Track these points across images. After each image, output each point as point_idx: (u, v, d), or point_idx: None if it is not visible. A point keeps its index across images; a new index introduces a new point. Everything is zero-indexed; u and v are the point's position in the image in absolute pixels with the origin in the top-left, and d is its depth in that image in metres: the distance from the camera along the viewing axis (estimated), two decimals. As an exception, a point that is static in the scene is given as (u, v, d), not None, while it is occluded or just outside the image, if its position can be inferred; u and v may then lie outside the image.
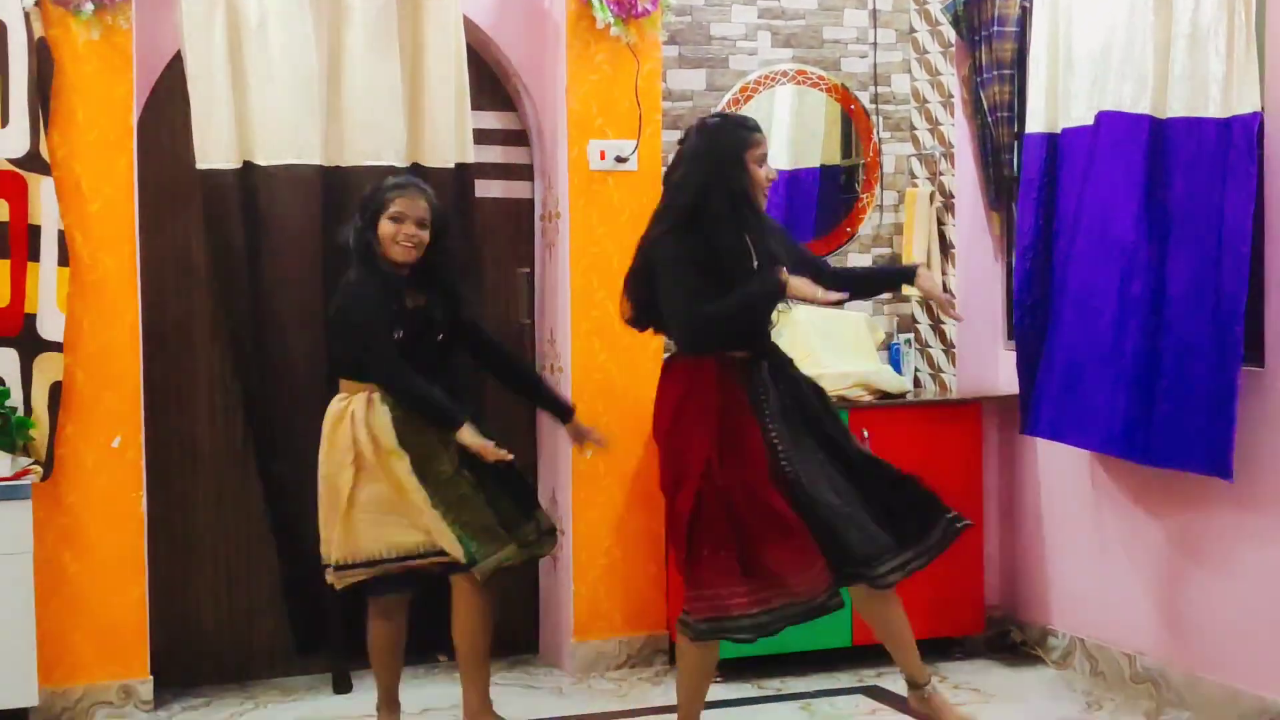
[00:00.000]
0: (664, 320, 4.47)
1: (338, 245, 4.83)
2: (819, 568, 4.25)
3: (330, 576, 4.65)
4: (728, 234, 4.33)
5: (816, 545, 4.26)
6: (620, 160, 5.61)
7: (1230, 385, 4.64)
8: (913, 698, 4.64)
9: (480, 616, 4.65)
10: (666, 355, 4.61)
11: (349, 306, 4.63)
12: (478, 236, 5.67)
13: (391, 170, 5.38)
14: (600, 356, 5.62)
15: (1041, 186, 5.35)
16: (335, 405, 4.65)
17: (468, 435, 4.59)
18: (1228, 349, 4.65)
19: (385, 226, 4.62)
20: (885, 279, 4.91)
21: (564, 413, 5.01)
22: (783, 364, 4.50)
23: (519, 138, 5.91)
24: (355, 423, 4.56)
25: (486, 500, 4.62)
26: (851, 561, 4.31)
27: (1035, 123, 5.38)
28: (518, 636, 5.90)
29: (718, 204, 4.33)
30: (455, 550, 4.52)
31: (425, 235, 4.66)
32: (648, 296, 4.45)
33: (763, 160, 4.43)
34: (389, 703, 4.84)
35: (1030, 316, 5.41)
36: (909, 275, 4.71)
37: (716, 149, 4.39)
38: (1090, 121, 5.13)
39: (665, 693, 5.32)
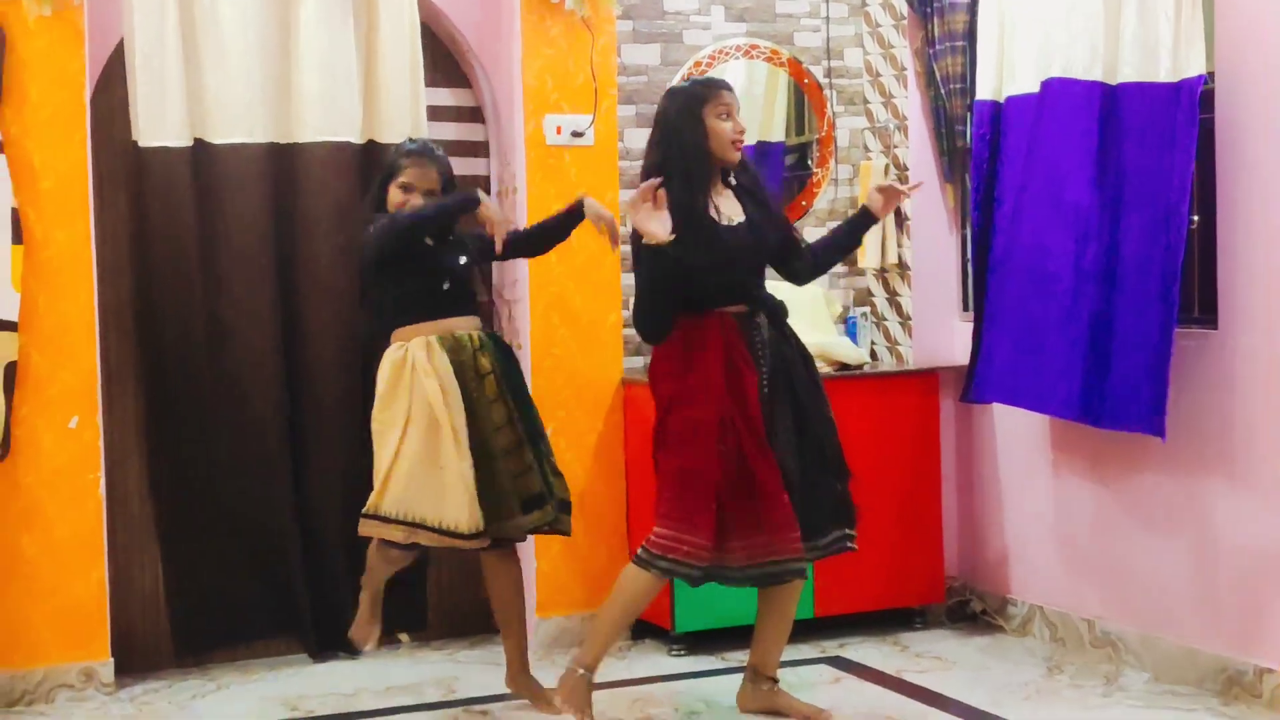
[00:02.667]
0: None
1: (366, 208, 4.81)
2: (795, 534, 4.38)
3: (360, 524, 4.60)
4: (682, 190, 4.36)
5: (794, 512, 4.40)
6: (576, 135, 5.61)
7: (1166, 343, 4.71)
8: (755, 692, 4.71)
9: (512, 582, 4.77)
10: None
11: (367, 242, 4.60)
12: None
13: (348, 147, 5.37)
14: (560, 332, 5.62)
15: (988, 154, 5.40)
16: (394, 353, 4.60)
17: (488, 208, 4.62)
18: (1166, 308, 4.73)
19: (394, 194, 4.65)
20: (851, 231, 4.81)
21: (577, 213, 4.89)
22: (779, 320, 4.56)
23: (474, 114, 5.89)
24: (418, 370, 4.53)
25: (513, 466, 4.65)
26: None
27: (984, 90, 5.41)
28: (481, 615, 5.88)
29: (674, 161, 4.39)
30: (474, 519, 4.47)
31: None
32: None
33: (726, 115, 4.47)
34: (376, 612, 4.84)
35: (978, 284, 5.46)
36: (867, 217, 4.73)
37: (675, 106, 4.47)
38: (1035, 89, 5.18)
39: (629, 667, 5.34)
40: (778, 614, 4.67)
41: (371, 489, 4.60)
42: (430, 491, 4.50)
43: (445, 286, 4.66)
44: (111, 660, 5.15)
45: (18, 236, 4.94)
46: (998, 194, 5.37)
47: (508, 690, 4.89)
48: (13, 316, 4.94)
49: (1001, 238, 5.33)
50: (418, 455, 4.51)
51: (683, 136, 4.43)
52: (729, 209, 4.51)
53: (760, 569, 4.38)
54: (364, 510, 4.58)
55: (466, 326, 4.67)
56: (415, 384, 4.53)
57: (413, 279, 4.62)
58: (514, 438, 4.65)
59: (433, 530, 4.52)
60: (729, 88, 4.54)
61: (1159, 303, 4.75)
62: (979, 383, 5.44)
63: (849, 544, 4.62)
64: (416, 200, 4.63)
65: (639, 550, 4.47)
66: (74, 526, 5.07)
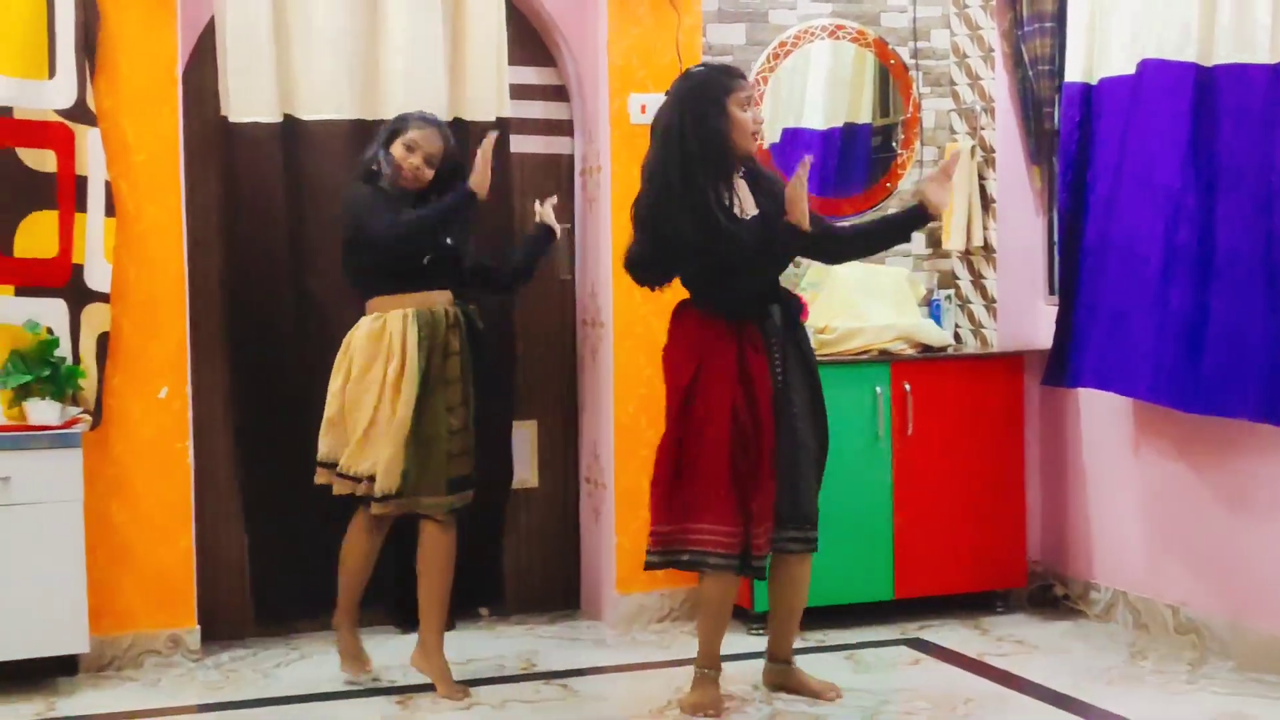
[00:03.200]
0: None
1: (358, 166, 4.92)
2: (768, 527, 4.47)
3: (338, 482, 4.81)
4: (705, 179, 4.39)
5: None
6: (661, 114, 5.60)
7: (1274, 330, 4.63)
8: (772, 670, 4.79)
9: (446, 556, 4.83)
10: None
11: (361, 211, 4.73)
12: (514, 191, 5.68)
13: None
14: (642, 310, 5.62)
15: (1079, 136, 5.35)
16: (372, 324, 4.76)
17: (479, 181, 4.70)
18: (1272, 295, 4.64)
19: (397, 149, 4.78)
20: (903, 225, 4.70)
21: (547, 236, 5.15)
22: (791, 312, 4.56)
23: (559, 93, 5.91)
24: (392, 343, 4.71)
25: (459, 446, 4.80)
26: (784, 519, 4.52)
27: (1074, 72, 5.36)
28: (560, 590, 5.93)
29: (695, 147, 4.38)
30: (390, 481, 4.67)
31: (428, 173, 4.81)
32: None
33: (747, 104, 4.47)
34: (351, 614, 4.97)
35: (1070, 268, 5.41)
36: (923, 214, 4.59)
37: (698, 92, 4.45)
38: (1131, 70, 5.12)
39: (708, 644, 5.34)
40: (777, 601, 4.73)
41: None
42: (378, 453, 4.71)
43: (426, 260, 4.79)
44: (198, 628, 5.22)
45: (111, 209, 5.02)
46: (1089, 177, 5.32)
47: (414, 667, 4.96)
48: (105, 288, 5.02)
49: (1094, 222, 5.28)
50: (386, 419, 4.70)
51: (707, 124, 4.39)
52: (744, 201, 4.50)
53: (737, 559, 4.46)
54: (341, 469, 4.79)
55: (443, 301, 4.82)
56: (390, 355, 4.72)
57: (376, 254, 4.75)
58: (463, 419, 4.82)
59: (353, 479, 4.75)
60: (745, 77, 4.55)
61: (1262, 289, 4.66)
62: (1068, 367, 5.39)
63: (815, 545, 4.64)
64: (416, 160, 4.77)
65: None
66: (162, 496, 5.15)
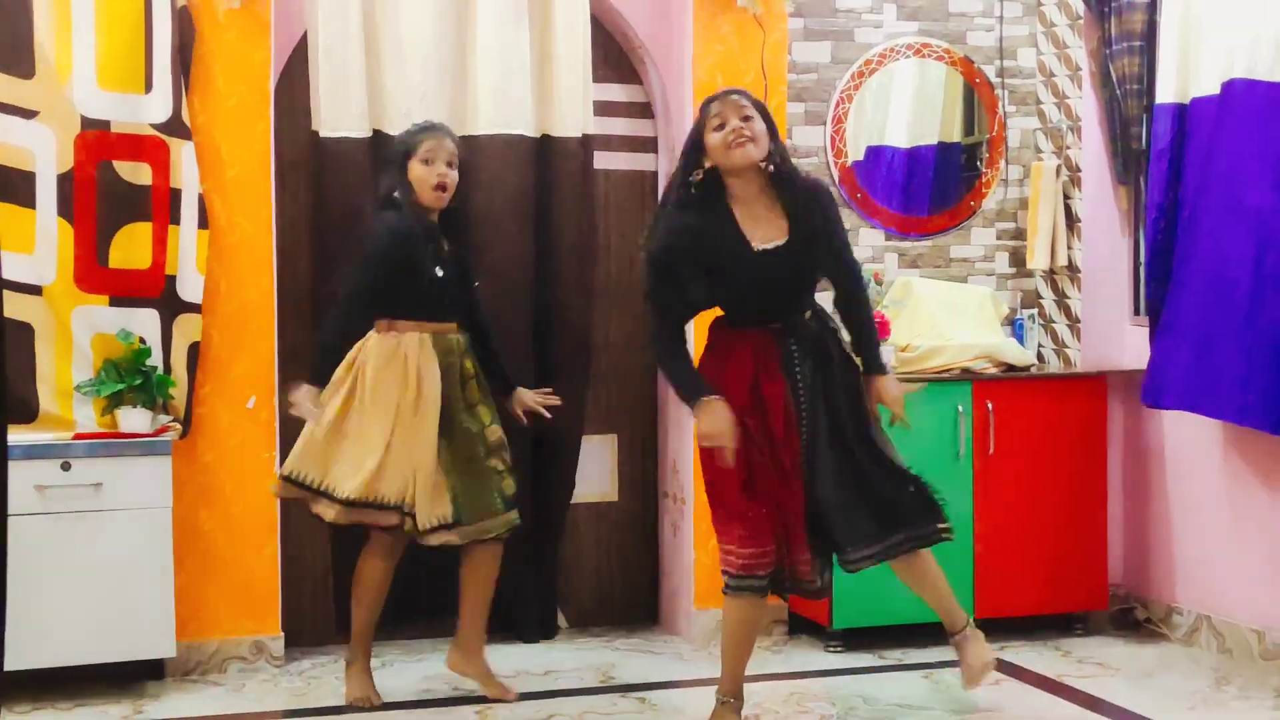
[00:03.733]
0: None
1: (378, 198, 4.87)
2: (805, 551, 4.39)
3: (338, 511, 4.71)
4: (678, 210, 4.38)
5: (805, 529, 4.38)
6: (745, 131, 5.62)
7: None
8: (956, 645, 4.72)
9: (490, 574, 4.85)
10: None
11: (391, 242, 4.67)
12: (597, 207, 5.72)
13: (522, 140, 5.45)
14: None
15: (1171, 158, 5.31)
16: (386, 341, 4.69)
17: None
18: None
19: (416, 169, 4.74)
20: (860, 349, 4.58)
21: (506, 387, 5.06)
22: (815, 340, 4.43)
23: (644, 110, 5.95)
24: (409, 364, 4.67)
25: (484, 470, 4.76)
26: (832, 546, 4.45)
27: (1165, 93, 5.33)
28: (639, 604, 5.95)
29: (674, 187, 4.41)
30: (444, 511, 4.65)
31: (455, 175, 4.79)
32: None
33: (719, 125, 4.29)
34: (365, 646, 4.92)
35: (1160, 289, 5.37)
36: (873, 369, 4.52)
37: (688, 137, 4.46)
38: (1216, 91, 5.08)
39: (785, 660, 5.35)
40: (916, 584, 4.64)
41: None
42: (404, 478, 4.66)
43: (439, 293, 4.76)
44: (282, 635, 5.30)
45: (204, 221, 5.11)
46: (1180, 198, 5.28)
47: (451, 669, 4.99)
48: (197, 299, 5.12)
49: (1181, 244, 5.24)
50: (407, 443, 4.65)
51: (683, 162, 4.38)
52: (767, 230, 4.34)
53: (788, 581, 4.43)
54: (349, 495, 4.66)
55: (453, 330, 4.79)
56: (406, 378, 4.67)
57: (413, 280, 4.71)
58: (499, 436, 4.81)
59: (392, 509, 4.67)
60: (727, 94, 4.39)
61: None
62: (1155, 388, 5.35)
63: (939, 536, 4.53)
64: (441, 168, 4.72)
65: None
66: (250, 504, 5.23)
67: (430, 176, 4.73)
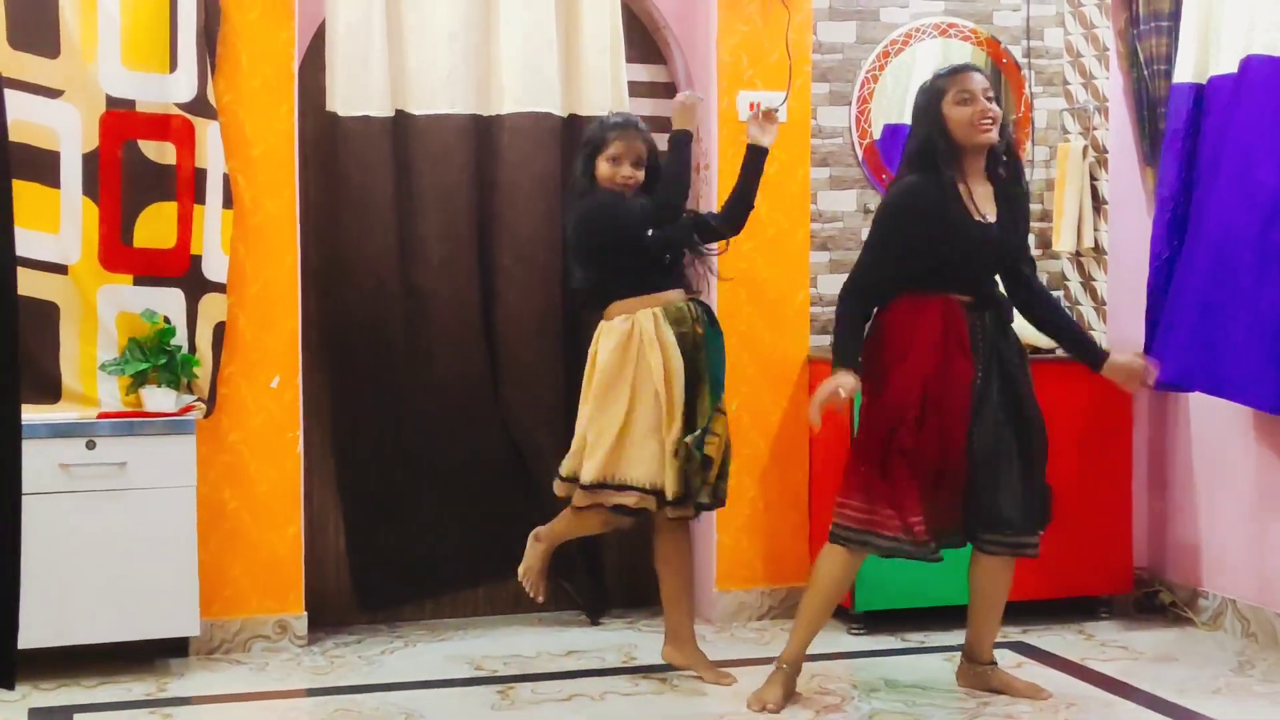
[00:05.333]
0: None
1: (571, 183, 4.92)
2: (953, 518, 4.47)
3: (578, 495, 4.73)
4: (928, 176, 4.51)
5: (961, 500, 4.45)
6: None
7: None
8: (970, 670, 4.78)
9: (688, 550, 4.90)
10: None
11: (610, 214, 4.70)
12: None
13: (549, 118, 5.43)
14: (745, 309, 5.64)
15: (1186, 137, 5.28)
16: (620, 325, 4.70)
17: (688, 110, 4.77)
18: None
19: (603, 168, 4.73)
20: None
21: (752, 155, 4.98)
22: (1003, 318, 4.57)
23: (668, 90, 5.93)
24: (645, 342, 4.66)
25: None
26: (978, 522, 4.50)
27: (1184, 72, 5.29)
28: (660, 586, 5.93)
29: (916, 154, 4.54)
30: (674, 487, 4.63)
31: (640, 175, 4.76)
32: None
33: (968, 99, 4.48)
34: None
35: (1166, 270, 5.34)
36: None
37: (919, 104, 4.61)
38: (1234, 69, 5.04)
39: (808, 642, 5.35)
40: (978, 595, 4.70)
41: (568, 454, 4.77)
42: (649, 458, 4.64)
43: (667, 259, 4.76)
44: (305, 614, 5.31)
45: (229, 201, 5.12)
46: (1194, 179, 5.25)
47: (668, 662, 4.96)
48: (222, 279, 5.12)
49: (1194, 220, 5.21)
50: (648, 425, 4.64)
51: (923, 129, 4.50)
52: (985, 204, 4.52)
53: (926, 546, 4.43)
54: (587, 480, 4.68)
55: (681, 299, 4.76)
56: (641, 356, 4.66)
57: (634, 254, 4.71)
58: (709, 409, 4.74)
59: (647, 492, 4.65)
60: (970, 70, 4.58)
61: None
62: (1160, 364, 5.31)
63: (1029, 551, 4.61)
64: (626, 170, 4.71)
65: (832, 527, 4.51)
66: (273, 483, 5.25)
67: (614, 176, 4.72)
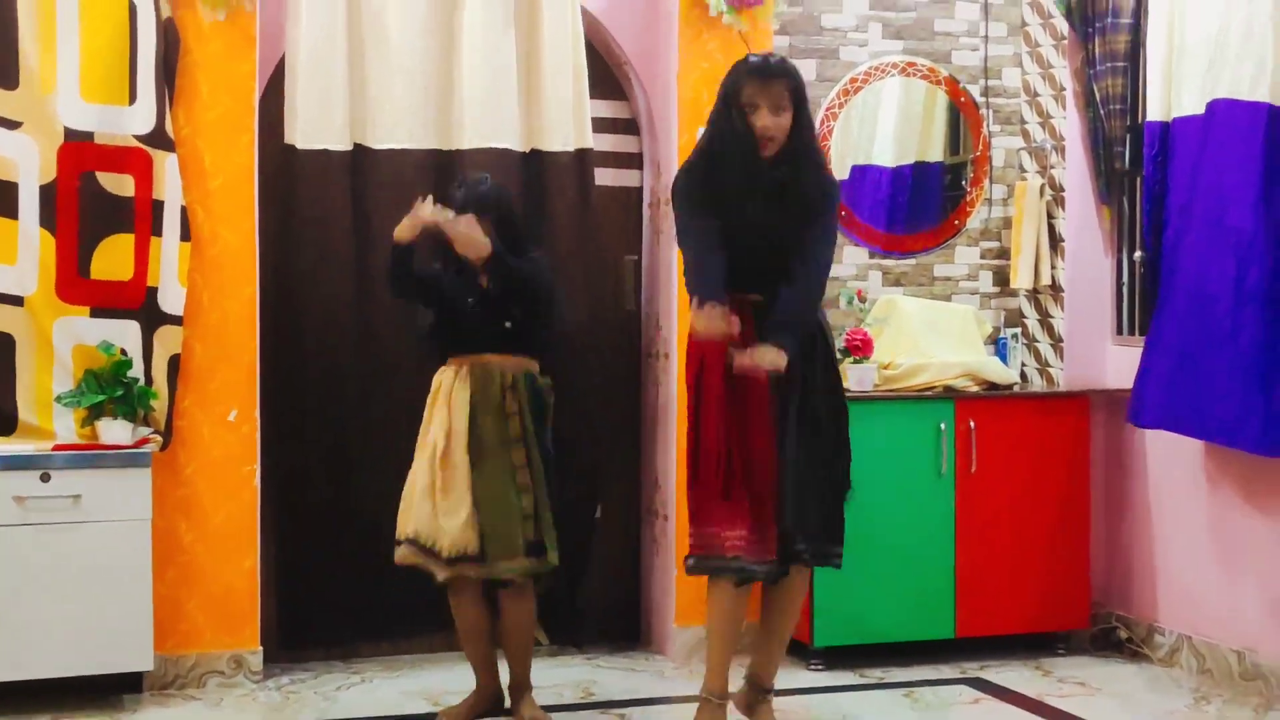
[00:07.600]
0: None
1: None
2: (772, 534, 4.32)
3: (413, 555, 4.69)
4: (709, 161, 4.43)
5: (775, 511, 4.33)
6: (730, 148, 5.62)
7: None
8: (748, 697, 4.60)
9: (529, 621, 4.78)
10: None
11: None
12: (596, 224, 5.69)
13: (510, 154, 5.42)
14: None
15: (1158, 176, 5.33)
16: (435, 378, 4.77)
17: (448, 226, 4.61)
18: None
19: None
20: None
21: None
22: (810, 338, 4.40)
23: (629, 126, 5.95)
24: (440, 396, 4.71)
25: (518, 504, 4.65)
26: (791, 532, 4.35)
27: (1153, 111, 5.35)
28: (620, 623, 5.92)
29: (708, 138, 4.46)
30: (466, 540, 4.58)
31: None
32: None
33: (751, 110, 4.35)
34: (490, 683, 4.87)
35: (1151, 308, 5.39)
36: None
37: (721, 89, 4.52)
38: (1201, 110, 5.10)
39: (767, 678, 5.33)
40: (764, 620, 4.58)
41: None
42: (426, 513, 4.63)
43: (468, 322, 4.73)
44: (260, 649, 5.27)
45: (186, 233, 5.10)
46: (1166, 216, 5.31)
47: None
48: (179, 311, 5.10)
49: (1165, 261, 5.26)
50: (426, 479, 4.65)
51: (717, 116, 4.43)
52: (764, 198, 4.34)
53: (751, 564, 4.32)
54: (411, 537, 4.68)
55: (501, 364, 4.70)
56: (438, 409, 4.70)
57: (438, 310, 4.78)
58: (528, 481, 4.67)
59: (424, 549, 4.63)
60: (768, 77, 4.36)
61: None
62: (1137, 407, 5.35)
63: (835, 560, 4.47)
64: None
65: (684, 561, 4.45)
66: (230, 517, 5.21)
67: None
